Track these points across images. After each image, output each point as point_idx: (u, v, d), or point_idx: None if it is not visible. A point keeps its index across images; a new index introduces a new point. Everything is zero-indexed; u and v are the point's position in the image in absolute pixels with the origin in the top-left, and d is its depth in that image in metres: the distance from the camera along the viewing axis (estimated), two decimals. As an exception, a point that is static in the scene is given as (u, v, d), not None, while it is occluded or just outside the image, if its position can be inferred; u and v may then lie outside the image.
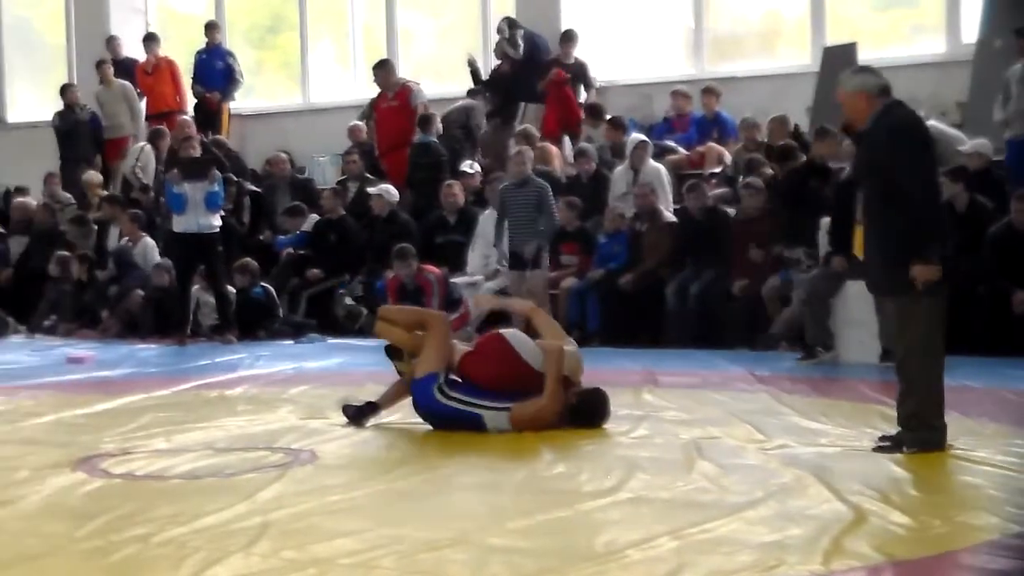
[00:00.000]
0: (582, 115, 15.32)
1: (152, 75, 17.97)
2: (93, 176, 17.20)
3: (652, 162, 13.84)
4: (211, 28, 17.95)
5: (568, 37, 15.68)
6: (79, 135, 17.83)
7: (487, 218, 13.77)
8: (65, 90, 18.20)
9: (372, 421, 7.88)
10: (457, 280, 13.56)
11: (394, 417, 7.95)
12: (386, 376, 8.21)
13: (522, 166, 13.02)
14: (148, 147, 16.97)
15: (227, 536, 5.16)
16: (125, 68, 18.13)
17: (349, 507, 5.72)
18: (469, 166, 15.08)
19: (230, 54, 17.90)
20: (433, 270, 13.35)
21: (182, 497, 5.98)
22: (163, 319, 14.31)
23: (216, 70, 17.68)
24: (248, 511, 5.58)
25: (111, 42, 18.38)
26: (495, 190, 13.62)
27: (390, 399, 7.98)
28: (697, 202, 12.79)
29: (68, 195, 17.21)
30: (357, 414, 7.87)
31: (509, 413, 7.44)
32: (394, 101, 16.17)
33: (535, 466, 6.62)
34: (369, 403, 7.95)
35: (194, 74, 17.86)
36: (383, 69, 16.31)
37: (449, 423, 7.54)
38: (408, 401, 7.83)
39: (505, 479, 6.29)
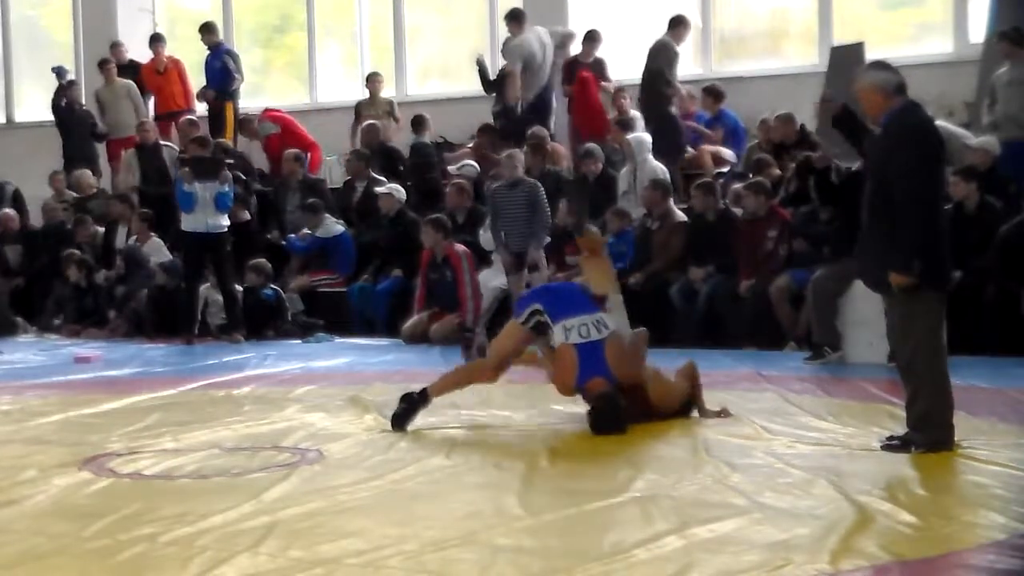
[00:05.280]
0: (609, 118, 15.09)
1: (163, 75, 17.93)
2: (84, 175, 17.10)
3: (652, 161, 13.83)
4: (206, 29, 17.61)
5: (591, 37, 15.59)
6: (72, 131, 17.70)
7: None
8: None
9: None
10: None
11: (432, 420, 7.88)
12: (390, 375, 8.20)
13: (513, 168, 12.98)
14: (129, 152, 16.89)
15: (234, 536, 5.17)
16: (132, 71, 18.02)
17: (356, 506, 5.72)
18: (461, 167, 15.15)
19: (227, 52, 17.78)
20: (458, 246, 13.18)
21: (189, 496, 5.99)
22: (170, 318, 14.30)
23: (215, 70, 17.61)
24: (255, 510, 5.59)
25: (115, 47, 18.25)
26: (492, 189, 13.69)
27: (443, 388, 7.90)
28: (707, 203, 12.74)
29: (74, 194, 17.16)
30: (405, 412, 7.69)
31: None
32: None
33: (542, 465, 6.62)
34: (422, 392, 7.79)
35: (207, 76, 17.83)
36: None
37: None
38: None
39: (512, 478, 6.27)
